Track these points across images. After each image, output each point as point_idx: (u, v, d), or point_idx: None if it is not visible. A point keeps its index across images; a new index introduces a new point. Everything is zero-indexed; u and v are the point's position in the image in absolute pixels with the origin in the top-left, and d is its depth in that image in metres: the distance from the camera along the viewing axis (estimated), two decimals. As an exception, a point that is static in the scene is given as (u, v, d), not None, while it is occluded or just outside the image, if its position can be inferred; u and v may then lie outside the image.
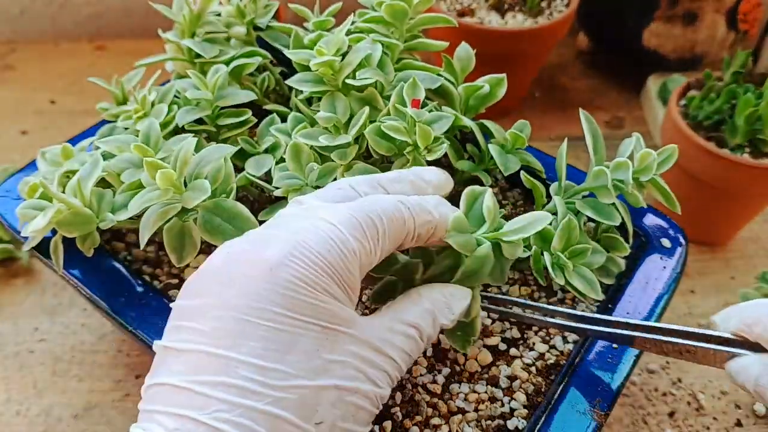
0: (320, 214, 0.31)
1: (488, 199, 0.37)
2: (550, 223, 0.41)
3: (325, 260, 0.29)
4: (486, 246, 0.37)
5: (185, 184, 0.38)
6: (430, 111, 0.40)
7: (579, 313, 0.38)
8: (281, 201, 0.42)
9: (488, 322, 0.42)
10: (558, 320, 0.39)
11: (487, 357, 0.40)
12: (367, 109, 0.40)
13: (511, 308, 0.41)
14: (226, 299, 0.28)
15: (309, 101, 0.45)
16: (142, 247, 0.38)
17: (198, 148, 0.40)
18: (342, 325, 0.29)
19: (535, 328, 0.42)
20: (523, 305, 0.41)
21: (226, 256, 0.30)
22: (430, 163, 0.40)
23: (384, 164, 0.43)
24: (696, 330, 0.33)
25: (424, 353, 0.41)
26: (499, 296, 0.42)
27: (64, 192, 0.39)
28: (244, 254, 0.29)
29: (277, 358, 0.27)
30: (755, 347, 0.31)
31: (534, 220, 0.36)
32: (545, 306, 0.40)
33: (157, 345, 0.30)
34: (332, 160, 0.40)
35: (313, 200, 0.33)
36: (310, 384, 0.27)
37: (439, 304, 0.34)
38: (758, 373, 0.30)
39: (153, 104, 0.45)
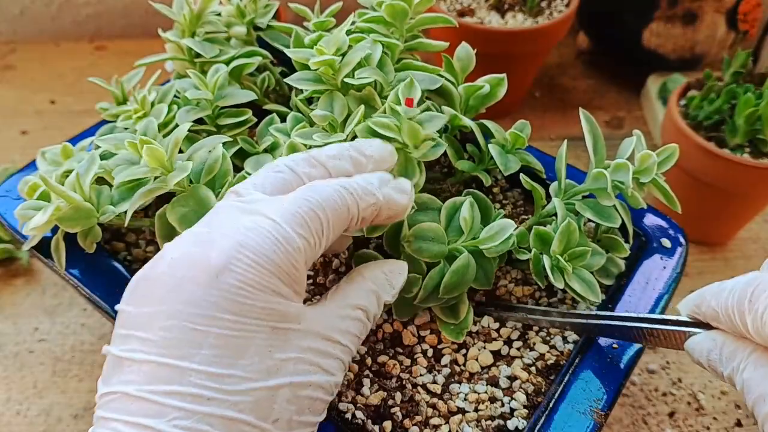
0: (261, 210, 0.30)
1: (465, 210, 0.40)
2: (550, 224, 0.41)
3: (270, 261, 0.29)
4: (464, 256, 0.39)
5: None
6: (425, 110, 0.40)
7: (555, 310, 0.41)
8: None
9: (495, 326, 0.42)
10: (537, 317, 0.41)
11: (487, 357, 0.40)
12: (362, 107, 0.40)
13: (517, 313, 0.42)
14: (174, 307, 0.27)
15: (309, 101, 0.45)
16: (126, 224, 0.38)
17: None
18: (292, 321, 0.29)
19: (535, 328, 0.42)
20: (525, 309, 0.42)
21: (171, 262, 0.29)
22: (426, 164, 0.40)
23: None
24: (656, 316, 0.36)
25: (424, 353, 0.41)
26: (508, 304, 0.43)
27: (63, 192, 0.39)
28: (189, 259, 0.28)
29: (230, 364, 0.27)
30: (707, 326, 0.33)
31: (502, 228, 0.39)
32: (538, 308, 0.42)
33: (107, 351, 0.29)
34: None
35: (251, 189, 0.32)
36: (265, 385, 0.28)
37: (381, 282, 0.35)
38: (709, 347, 0.32)
39: (153, 104, 0.45)
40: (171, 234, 0.39)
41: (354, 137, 0.40)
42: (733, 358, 0.31)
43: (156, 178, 0.38)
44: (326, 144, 0.39)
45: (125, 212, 0.39)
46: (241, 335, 0.28)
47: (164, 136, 0.42)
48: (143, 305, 0.28)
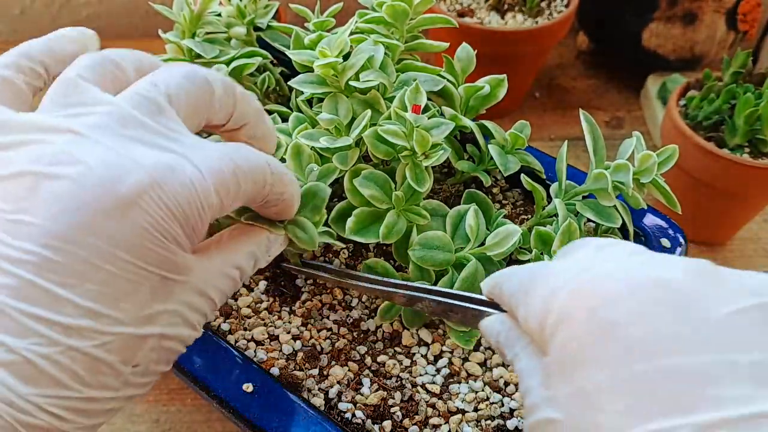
0: (187, 154, 0.28)
1: (470, 217, 0.40)
2: (551, 225, 0.41)
3: (182, 211, 0.27)
4: (472, 264, 0.39)
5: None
6: (431, 117, 0.40)
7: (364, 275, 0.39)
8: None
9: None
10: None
11: (487, 358, 0.41)
12: (369, 112, 0.40)
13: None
14: (67, 231, 0.25)
15: (310, 101, 0.45)
16: None
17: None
18: (181, 273, 0.28)
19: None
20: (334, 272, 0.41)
21: (77, 178, 0.25)
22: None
23: (383, 167, 0.43)
24: (458, 292, 0.35)
25: (425, 354, 0.41)
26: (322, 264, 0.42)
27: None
28: (98, 182, 0.25)
29: (111, 305, 0.26)
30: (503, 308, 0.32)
31: (508, 234, 0.39)
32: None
33: None
34: (332, 161, 0.40)
35: (165, 101, 0.28)
36: (137, 332, 0.27)
37: (262, 248, 0.34)
38: (498, 330, 0.31)
39: (153, 104, 0.45)
40: None
41: (358, 141, 0.40)
42: (513, 345, 0.29)
43: None
44: (333, 148, 0.39)
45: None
46: (132, 278, 0.26)
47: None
48: (22, 212, 0.25)
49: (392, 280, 0.38)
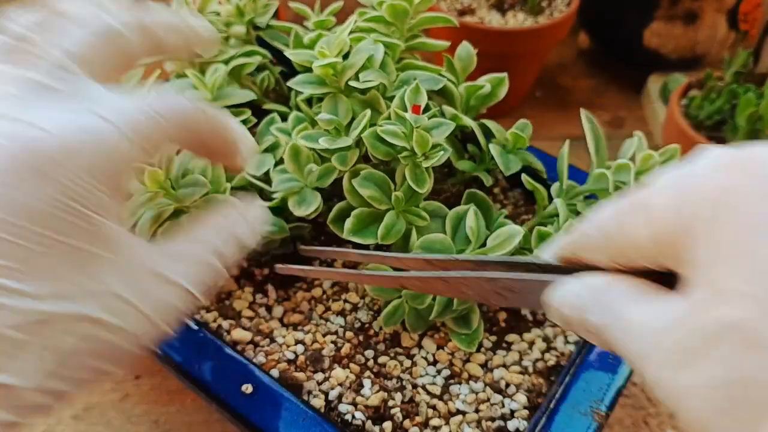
0: (100, 110, 0.25)
1: (470, 219, 0.39)
2: (552, 225, 0.41)
3: (102, 173, 0.25)
4: None
5: (173, 186, 0.37)
6: (432, 117, 0.40)
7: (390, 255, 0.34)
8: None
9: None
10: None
11: (487, 359, 0.40)
12: (368, 112, 0.40)
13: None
14: None
15: (309, 101, 0.45)
16: None
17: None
18: (108, 248, 0.25)
19: (537, 331, 0.42)
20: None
21: None
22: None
23: (383, 168, 0.43)
24: (513, 259, 0.27)
25: (425, 355, 0.40)
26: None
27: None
28: (3, 154, 0.23)
29: (23, 279, 0.23)
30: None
31: (509, 236, 0.38)
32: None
33: None
34: (332, 162, 0.40)
35: (67, 58, 0.27)
36: (54, 310, 0.23)
37: (240, 223, 0.31)
38: (584, 294, 0.24)
39: (152, 104, 0.45)
40: None
41: (358, 141, 0.39)
42: (614, 304, 0.23)
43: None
44: (333, 149, 0.39)
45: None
46: (47, 252, 0.23)
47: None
48: None
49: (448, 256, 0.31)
